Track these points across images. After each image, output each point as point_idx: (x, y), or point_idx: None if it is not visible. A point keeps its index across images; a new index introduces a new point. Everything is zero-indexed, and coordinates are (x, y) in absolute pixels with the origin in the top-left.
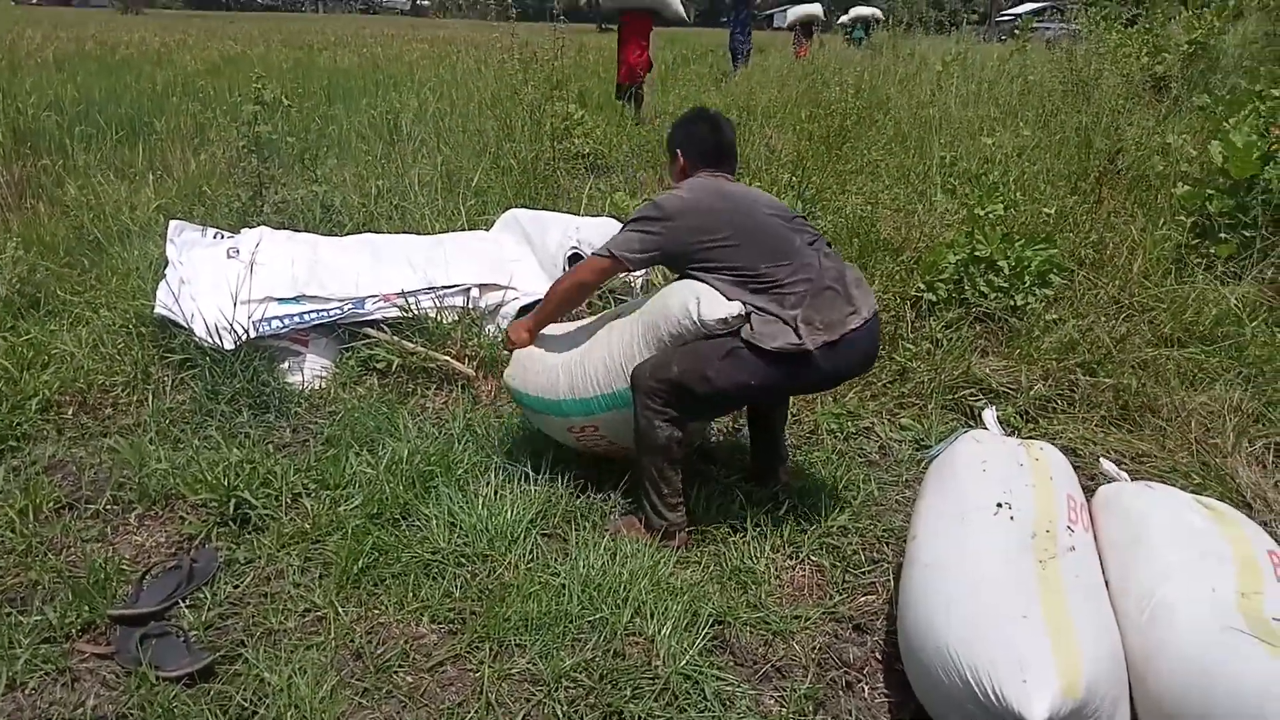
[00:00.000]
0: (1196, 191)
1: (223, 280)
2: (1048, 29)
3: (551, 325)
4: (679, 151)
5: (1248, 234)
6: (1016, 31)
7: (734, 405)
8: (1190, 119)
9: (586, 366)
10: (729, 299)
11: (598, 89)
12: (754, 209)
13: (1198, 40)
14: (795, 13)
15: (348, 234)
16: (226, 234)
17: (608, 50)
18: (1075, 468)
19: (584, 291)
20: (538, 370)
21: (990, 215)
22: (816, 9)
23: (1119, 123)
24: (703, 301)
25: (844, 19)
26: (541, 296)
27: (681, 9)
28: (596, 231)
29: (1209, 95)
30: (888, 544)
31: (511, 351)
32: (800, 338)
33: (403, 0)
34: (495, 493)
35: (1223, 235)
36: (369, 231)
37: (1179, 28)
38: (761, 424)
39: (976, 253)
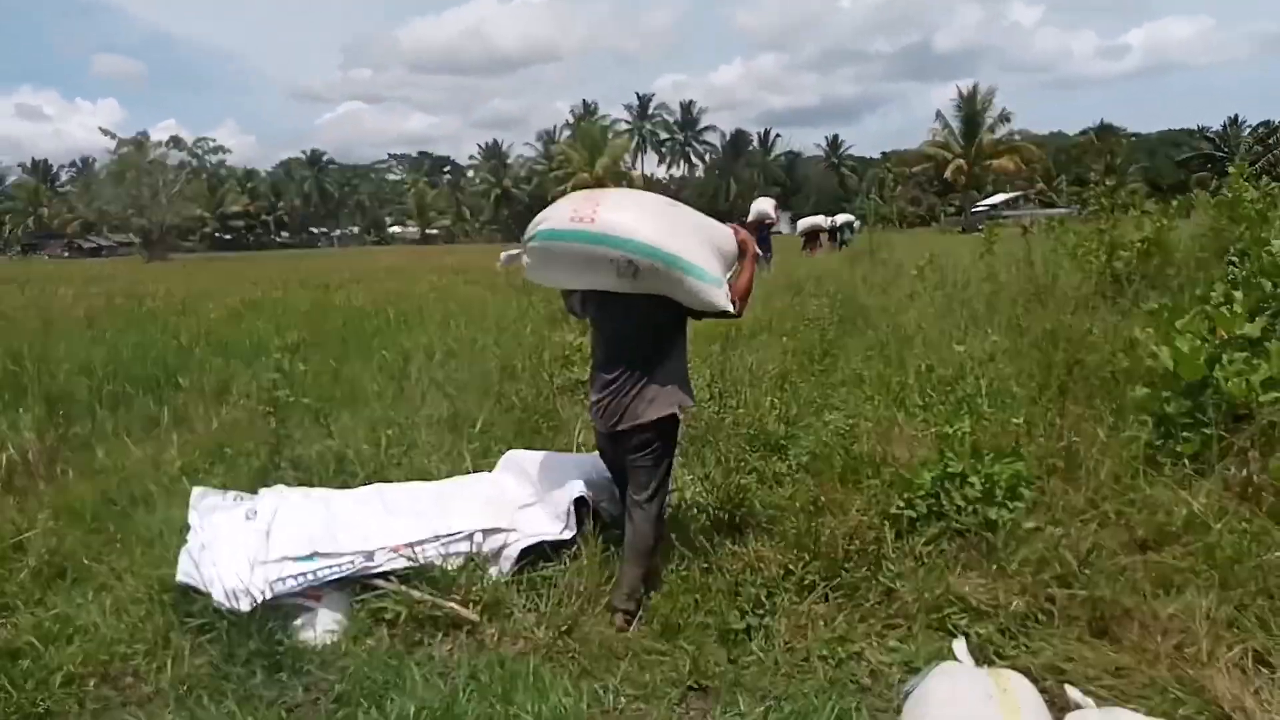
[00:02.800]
0: (1154, 394)
1: (241, 543)
2: (1023, 214)
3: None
4: None
5: (1207, 432)
6: (987, 222)
7: None
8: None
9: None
10: None
11: None
12: None
13: (1149, 238)
14: (804, 224)
15: (360, 484)
16: (245, 496)
17: None
18: (1051, 690)
19: None
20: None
21: (958, 432)
22: (822, 220)
23: (1083, 323)
24: None
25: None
26: (541, 539)
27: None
28: (591, 471)
29: (1155, 302)
30: None
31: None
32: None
33: (412, 231)
34: None
35: (1184, 435)
36: (380, 480)
37: (1131, 225)
38: None
39: (949, 469)
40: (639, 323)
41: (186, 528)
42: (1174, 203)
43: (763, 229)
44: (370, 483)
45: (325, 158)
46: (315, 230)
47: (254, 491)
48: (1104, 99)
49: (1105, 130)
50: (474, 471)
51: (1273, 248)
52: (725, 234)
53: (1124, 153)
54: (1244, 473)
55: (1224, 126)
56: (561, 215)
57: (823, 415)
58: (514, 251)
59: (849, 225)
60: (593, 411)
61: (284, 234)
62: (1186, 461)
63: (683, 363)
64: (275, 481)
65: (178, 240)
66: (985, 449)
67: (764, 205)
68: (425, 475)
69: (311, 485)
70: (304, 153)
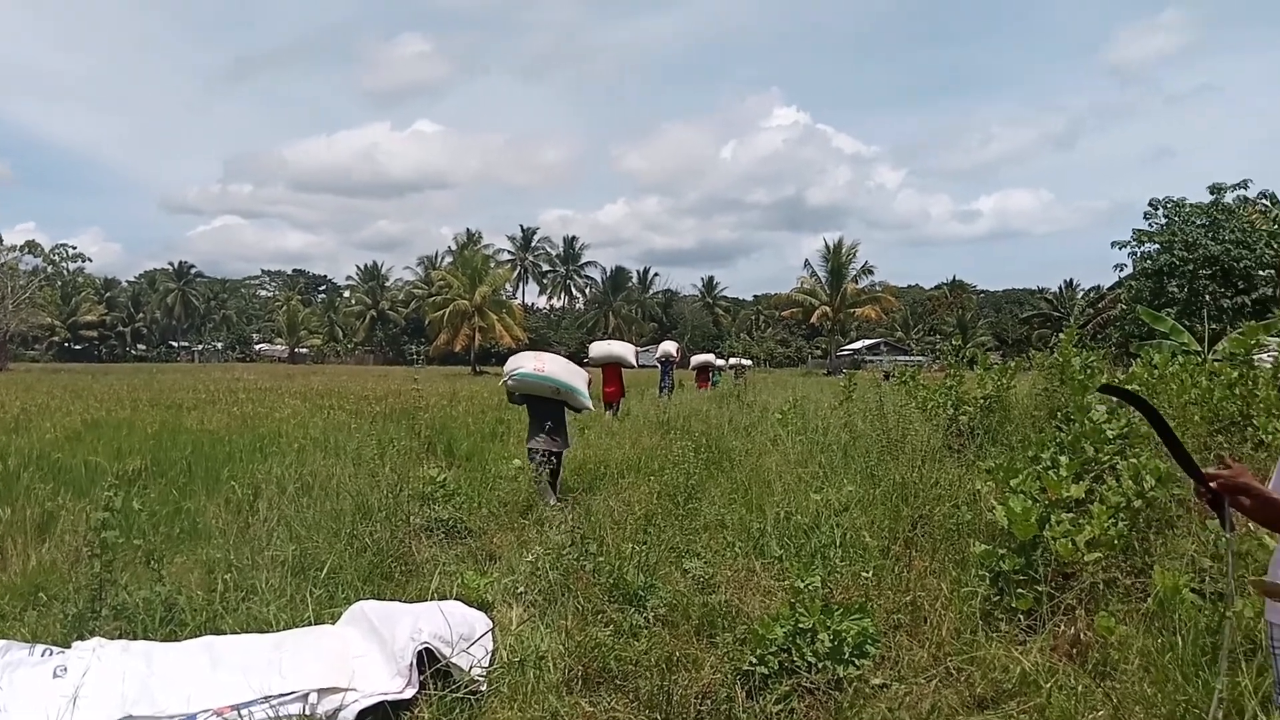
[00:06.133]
0: (991, 551)
1: (44, 707)
2: (882, 360)
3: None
4: None
5: (1039, 589)
6: (848, 369)
7: None
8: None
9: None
10: None
11: (466, 439)
12: None
13: (990, 395)
14: (697, 359)
15: (188, 635)
16: (55, 649)
17: (478, 398)
18: None
19: None
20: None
21: (809, 587)
22: (711, 358)
23: (930, 475)
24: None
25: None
26: (382, 698)
27: (634, 361)
28: (440, 625)
29: (994, 460)
30: None
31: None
32: None
33: (281, 349)
34: None
35: (1019, 591)
36: (212, 630)
37: (973, 383)
38: None
39: (800, 624)
40: (553, 411)
41: None
42: (1012, 364)
43: (666, 364)
44: (201, 633)
45: (193, 270)
46: (175, 344)
47: (67, 644)
48: (956, 257)
49: (957, 286)
50: (316, 621)
51: (1094, 415)
52: (587, 376)
53: (973, 307)
54: (1072, 630)
55: (1060, 289)
56: (528, 365)
57: (683, 563)
58: (505, 380)
59: (715, 366)
60: (533, 449)
61: (140, 346)
62: (1021, 617)
63: (565, 427)
64: (94, 631)
65: (20, 349)
66: (836, 603)
67: (668, 346)
68: (263, 625)
69: (134, 636)
70: (171, 264)
